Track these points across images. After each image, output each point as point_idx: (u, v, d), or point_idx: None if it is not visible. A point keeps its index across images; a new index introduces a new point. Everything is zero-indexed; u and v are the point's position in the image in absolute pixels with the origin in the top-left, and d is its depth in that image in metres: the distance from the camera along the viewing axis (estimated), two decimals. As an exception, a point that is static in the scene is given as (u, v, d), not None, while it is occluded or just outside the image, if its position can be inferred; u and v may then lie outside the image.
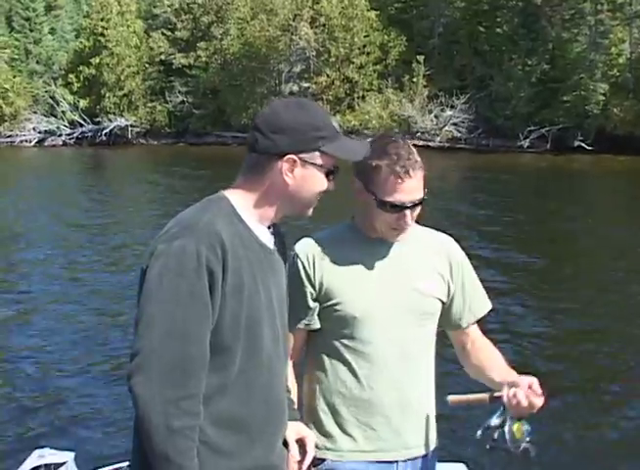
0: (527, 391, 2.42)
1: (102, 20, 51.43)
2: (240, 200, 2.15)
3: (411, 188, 2.45)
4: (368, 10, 43.85)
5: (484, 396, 2.54)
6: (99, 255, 13.94)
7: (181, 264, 1.96)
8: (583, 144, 35.92)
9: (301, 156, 2.12)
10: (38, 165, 37.26)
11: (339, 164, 2.20)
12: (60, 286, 11.63)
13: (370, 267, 2.57)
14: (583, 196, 22.49)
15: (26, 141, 50.96)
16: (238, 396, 2.08)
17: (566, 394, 6.76)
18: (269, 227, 2.22)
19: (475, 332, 2.77)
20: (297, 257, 2.59)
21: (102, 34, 50.90)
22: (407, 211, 2.47)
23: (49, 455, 4.45)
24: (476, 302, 2.72)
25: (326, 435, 2.60)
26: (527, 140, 37.44)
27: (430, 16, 44.02)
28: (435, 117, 39.42)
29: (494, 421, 2.46)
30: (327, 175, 2.17)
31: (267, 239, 2.20)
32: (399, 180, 2.44)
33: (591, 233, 15.84)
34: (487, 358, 2.72)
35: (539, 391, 2.43)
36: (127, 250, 14.25)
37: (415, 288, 2.58)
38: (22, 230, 16.73)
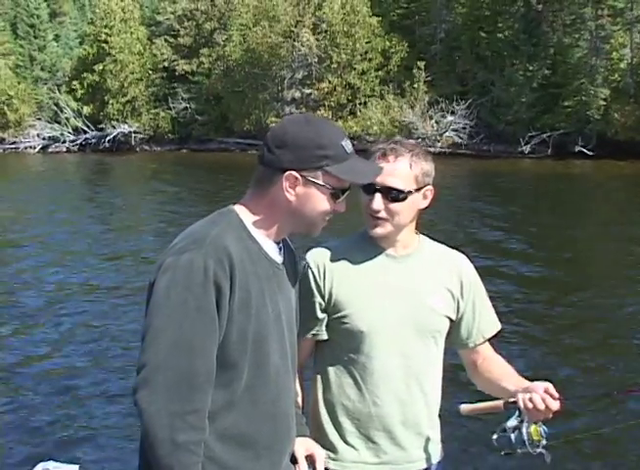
0: (544, 394, 2.41)
1: (105, 26, 51.63)
2: (248, 214, 2.14)
3: (385, 170, 2.41)
4: (370, 16, 43.90)
5: (498, 403, 2.53)
6: (103, 263, 13.92)
7: (189, 278, 1.95)
8: (584, 149, 35.87)
9: (304, 173, 2.09)
10: (42, 172, 37.33)
11: (349, 185, 2.17)
12: (63, 295, 11.57)
13: (380, 281, 2.56)
14: (583, 201, 22.52)
15: (30, 147, 51.22)
16: (244, 411, 2.07)
17: (580, 402, 6.80)
18: (278, 243, 2.21)
19: (485, 350, 2.76)
20: (308, 266, 2.58)
21: (105, 41, 51.08)
22: (377, 195, 2.46)
23: (53, 469, 4.50)
24: (484, 322, 2.70)
25: (329, 445, 2.60)
26: (529, 146, 37.41)
27: (431, 22, 44.12)
28: (436, 122, 39.46)
29: (511, 423, 2.43)
30: (333, 196, 2.13)
31: (276, 254, 2.19)
32: (375, 161, 2.46)
33: (593, 240, 15.88)
34: (499, 371, 2.71)
35: (556, 394, 2.42)
36: (132, 258, 14.25)
37: (424, 304, 2.57)
38: (24, 237, 16.77)
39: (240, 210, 2.14)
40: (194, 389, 1.93)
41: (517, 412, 2.43)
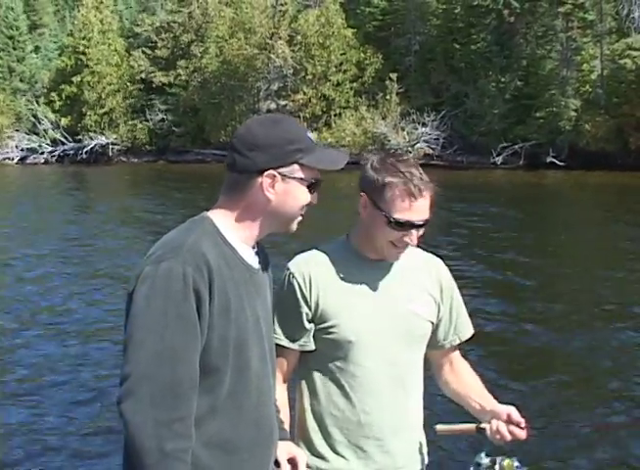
0: (510, 426, 2.48)
1: (83, 38, 51.90)
2: (223, 220, 2.14)
3: (421, 207, 2.45)
4: (345, 28, 44.21)
5: (471, 426, 2.59)
6: (78, 275, 13.73)
7: (168, 287, 1.95)
8: (555, 160, 36.15)
9: (281, 170, 2.12)
10: (20, 184, 37.38)
11: (321, 175, 2.20)
12: (35, 309, 11.30)
13: (365, 289, 2.56)
14: (554, 211, 22.67)
15: (9, 159, 51.28)
16: (228, 417, 2.07)
17: (552, 416, 6.74)
18: (254, 247, 2.22)
19: (455, 354, 2.79)
20: (293, 276, 2.55)
21: (83, 53, 51.34)
22: (414, 230, 2.47)
23: None
24: (460, 324, 2.73)
25: (318, 455, 2.60)
26: (501, 157, 37.66)
27: (406, 33, 44.37)
28: (408, 134, 39.73)
29: (484, 460, 2.48)
30: (309, 188, 2.17)
31: (252, 259, 2.20)
32: (412, 199, 2.43)
33: (562, 248, 15.89)
34: (466, 384, 2.75)
35: (520, 420, 2.48)
36: (108, 269, 14.06)
37: (409, 310, 2.58)
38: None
39: (213, 216, 2.15)
40: (178, 397, 1.93)
41: (488, 444, 2.51)
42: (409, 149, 38.40)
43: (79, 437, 6.67)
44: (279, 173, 2.11)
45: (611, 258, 14.60)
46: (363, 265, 2.58)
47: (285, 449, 2.38)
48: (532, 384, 7.75)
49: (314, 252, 2.63)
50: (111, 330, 9.80)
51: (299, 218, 2.22)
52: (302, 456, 2.42)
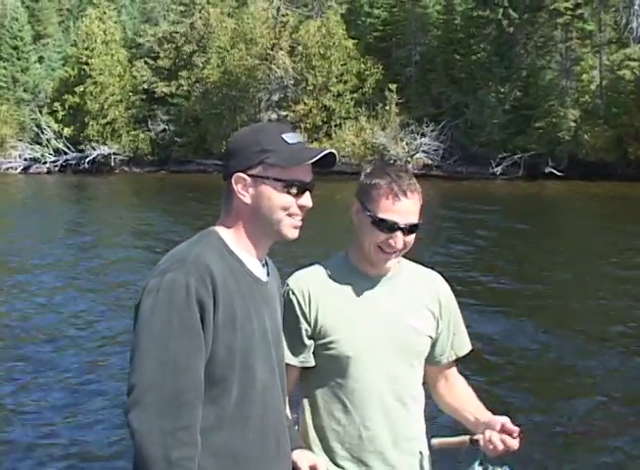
0: (502, 435, 2.49)
1: (86, 49, 52.14)
2: (227, 233, 2.17)
3: (406, 209, 2.47)
4: (345, 38, 44.37)
5: (464, 439, 2.61)
6: (81, 286, 13.73)
7: (172, 298, 1.99)
8: (554, 170, 36.18)
9: (249, 172, 2.13)
10: (23, 193, 37.52)
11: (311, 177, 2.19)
12: (41, 319, 11.32)
13: (364, 304, 2.57)
14: (552, 222, 22.67)
15: (12, 168, 51.55)
16: (235, 428, 2.09)
17: (545, 428, 6.78)
18: (261, 259, 2.23)
19: (451, 370, 2.81)
20: (293, 293, 2.57)
21: (86, 63, 51.56)
22: (399, 233, 2.47)
23: None
24: (458, 340, 2.75)
25: None
26: (500, 167, 37.71)
27: (407, 44, 44.52)
28: (407, 144, 39.82)
29: (477, 469, 2.51)
30: (288, 189, 2.15)
31: (260, 271, 2.21)
32: (396, 199, 2.46)
33: (562, 259, 15.84)
34: (461, 398, 2.76)
35: (513, 429, 2.49)
36: (111, 281, 14.10)
37: (408, 325, 2.60)
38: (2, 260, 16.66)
39: (219, 229, 2.18)
40: (183, 406, 1.96)
41: (482, 453, 2.53)
42: (408, 159, 38.49)
43: (92, 449, 6.73)
44: (248, 175, 2.13)
45: (612, 268, 14.53)
46: (362, 281, 2.60)
47: (305, 458, 2.40)
48: (527, 395, 7.81)
49: (313, 268, 2.66)
50: (116, 340, 9.86)
51: (294, 222, 2.19)
52: (323, 465, 2.45)
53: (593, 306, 11.65)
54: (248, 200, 2.14)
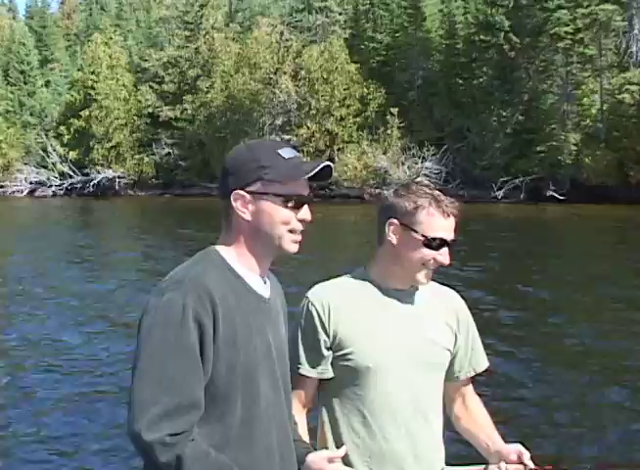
0: (517, 467, 2.54)
1: (92, 73, 52.66)
2: (227, 251, 2.18)
3: (450, 226, 2.56)
4: (348, 63, 44.68)
5: (479, 469, 2.66)
6: (84, 312, 13.63)
7: (168, 317, 2.02)
8: (556, 194, 36.27)
9: (248, 189, 2.14)
10: (28, 216, 37.76)
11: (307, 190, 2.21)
12: (44, 342, 11.25)
13: (383, 317, 2.60)
14: (552, 246, 22.69)
15: (18, 191, 51.95)
16: (241, 445, 2.11)
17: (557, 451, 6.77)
18: (262, 276, 2.24)
19: (468, 387, 2.83)
20: (312, 304, 2.60)
21: (92, 87, 52.06)
22: (446, 249, 2.56)
23: None
24: (475, 357, 2.79)
25: None
26: (502, 191, 37.83)
27: (409, 68, 44.79)
28: (408, 168, 40.02)
29: None
30: (287, 203, 2.16)
31: (261, 288, 2.22)
32: (443, 218, 2.53)
33: (563, 282, 15.78)
34: (477, 422, 2.79)
35: (529, 463, 2.53)
36: (114, 306, 14.04)
37: (427, 338, 2.62)
38: (5, 285, 16.57)
39: (220, 248, 2.19)
40: (179, 418, 1.99)
41: None
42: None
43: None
44: (247, 192, 2.14)
45: (614, 292, 14.48)
46: (381, 295, 2.63)
47: (319, 455, 2.43)
48: (540, 417, 7.76)
49: (332, 281, 2.69)
50: (117, 363, 9.85)
51: (294, 237, 2.20)
52: (341, 451, 2.48)
53: (595, 327, 11.61)
54: (248, 216, 2.15)
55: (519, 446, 2.59)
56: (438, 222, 2.53)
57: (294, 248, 2.20)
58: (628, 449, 6.87)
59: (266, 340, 2.17)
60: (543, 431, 7.37)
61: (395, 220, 2.56)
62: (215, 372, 2.06)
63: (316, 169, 2.16)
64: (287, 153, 2.18)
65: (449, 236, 2.55)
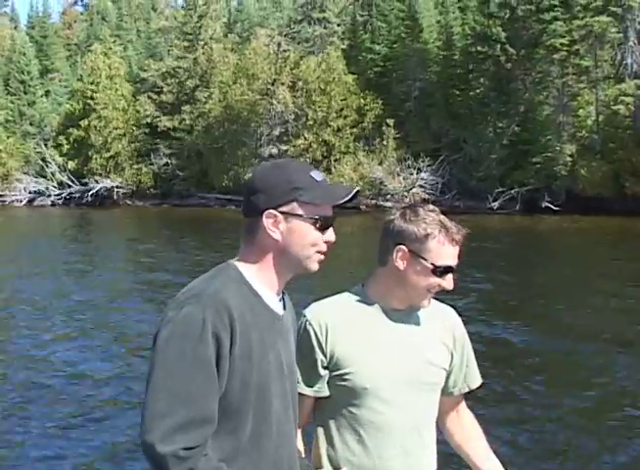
0: None
1: (91, 83, 52.80)
2: (246, 267, 2.21)
3: (456, 253, 2.61)
4: (345, 74, 44.82)
5: None
6: (82, 324, 13.67)
7: (186, 331, 2.04)
8: (551, 205, 36.31)
9: (281, 209, 2.17)
10: (27, 226, 37.83)
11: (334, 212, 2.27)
12: (39, 355, 11.22)
13: (380, 337, 2.61)
14: (547, 256, 22.70)
15: (17, 201, 52.08)
16: (250, 459, 2.14)
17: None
18: (278, 293, 2.27)
19: (461, 403, 2.87)
20: (310, 323, 2.61)
21: (91, 97, 52.20)
22: (451, 275, 2.60)
23: None
24: (470, 373, 2.82)
25: None
26: (498, 202, 37.88)
27: (406, 79, 44.90)
28: (404, 179, 40.10)
29: None
30: (317, 225, 2.21)
31: (276, 306, 2.25)
32: (454, 245, 2.58)
33: (558, 293, 15.86)
34: (470, 438, 2.85)
35: None
36: (111, 318, 14.07)
37: (423, 358, 2.64)
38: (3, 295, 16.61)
39: (238, 263, 2.22)
40: (193, 432, 2.02)
41: None
42: (404, 194, 38.71)
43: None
44: (280, 212, 2.17)
45: (610, 303, 14.55)
46: (379, 314, 2.64)
47: None
48: (534, 432, 7.79)
49: (330, 299, 2.70)
50: (114, 376, 9.87)
51: (320, 257, 2.25)
52: None
53: (590, 345, 11.57)
54: (277, 236, 2.18)
55: None
56: (447, 251, 2.57)
57: (316, 268, 2.26)
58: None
59: (278, 356, 2.21)
60: (535, 450, 7.33)
61: (404, 247, 2.58)
62: (229, 387, 2.09)
63: (350, 195, 2.23)
64: (317, 176, 2.24)
65: (455, 262, 2.60)
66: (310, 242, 2.20)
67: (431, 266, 2.56)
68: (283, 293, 2.30)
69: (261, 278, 2.21)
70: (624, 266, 19.49)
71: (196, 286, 2.16)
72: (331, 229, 2.25)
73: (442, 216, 2.60)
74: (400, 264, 2.59)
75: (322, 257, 2.25)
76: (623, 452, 7.30)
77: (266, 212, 2.17)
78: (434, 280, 2.57)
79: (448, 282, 2.60)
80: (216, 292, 2.09)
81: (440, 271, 2.56)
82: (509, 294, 16.22)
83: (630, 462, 6.99)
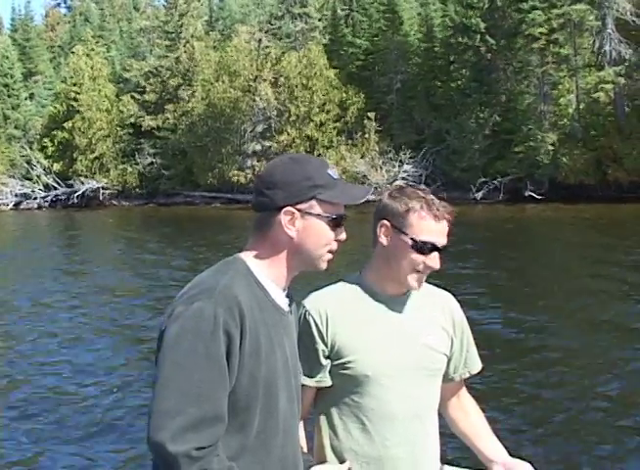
0: None
1: (75, 85, 52.80)
2: (254, 261, 2.18)
3: (442, 230, 2.54)
4: (327, 68, 44.84)
5: None
6: (72, 326, 13.53)
7: (198, 327, 1.99)
8: (534, 194, 36.40)
9: (299, 207, 2.14)
10: (14, 230, 37.83)
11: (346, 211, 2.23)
12: (33, 358, 11.14)
13: (380, 325, 2.59)
14: (531, 245, 22.75)
15: (3, 204, 52.01)
16: (256, 455, 2.12)
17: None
18: (284, 289, 2.25)
19: (462, 388, 2.86)
20: (309, 314, 2.58)
21: (75, 99, 52.22)
22: (437, 253, 2.53)
23: None
24: (470, 358, 2.80)
25: None
26: (481, 192, 37.98)
27: (388, 72, 44.95)
28: (387, 171, 40.16)
29: None
30: (333, 224, 2.19)
31: (283, 301, 2.23)
32: (434, 222, 2.51)
33: (543, 282, 15.86)
34: (474, 425, 2.82)
35: None
36: (102, 317, 14.06)
37: (425, 344, 2.62)
38: None
39: (246, 257, 2.19)
40: (204, 431, 1.97)
41: None
42: (387, 186, 38.68)
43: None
44: (297, 210, 2.15)
45: (595, 290, 14.51)
46: (378, 301, 2.62)
47: (326, 468, 2.49)
48: (532, 416, 7.78)
49: (329, 288, 2.68)
50: (114, 370, 9.95)
51: (330, 256, 2.23)
52: (345, 466, 2.55)
53: (577, 332, 11.57)
54: (293, 233, 2.16)
55: (524, 464, 2.65)
56: (429, 226, 2.52)
57: (325, 266, 2.25)
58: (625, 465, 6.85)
59: (284, 352, 2.20)
60: (534, 434, 7.33)
61: (386, 222, 2.57)
62: (238, 384, 2.06)
63: (367, 196, 2.23)
64: (334, 173, 2.22)
65: (440, 240, 2.54)
66: (325, 241, 2.20)
67: (410, 241, 2.52)
68: (288, 288, 2.29)
69: (270, 274, 2.20)
70: (608, 252, 19.53)
71: (205, 280, 2.12)
72: (342, 228, 2.23)
73: (430, 195, 2.56)
74: (384, 240, 2.57)
75: (331, 256, 2.24)
76: (623, 434, 7.28)
77: (285, 209, 2.15)
78: (417, 256, 2.53)
79: (433, 260, 2.54)
80: (227, 287, 2.06)
81: (421, 247, 2.51)
82: (495, 280, 16.25)
83: (632, 446, 7.03)
